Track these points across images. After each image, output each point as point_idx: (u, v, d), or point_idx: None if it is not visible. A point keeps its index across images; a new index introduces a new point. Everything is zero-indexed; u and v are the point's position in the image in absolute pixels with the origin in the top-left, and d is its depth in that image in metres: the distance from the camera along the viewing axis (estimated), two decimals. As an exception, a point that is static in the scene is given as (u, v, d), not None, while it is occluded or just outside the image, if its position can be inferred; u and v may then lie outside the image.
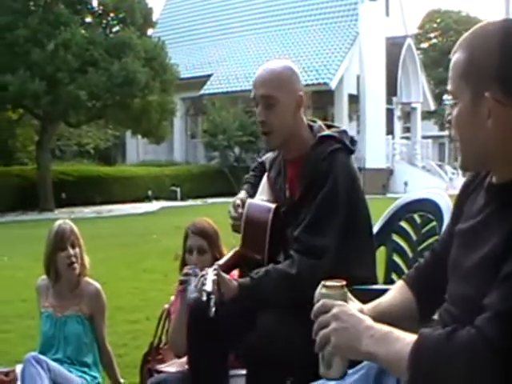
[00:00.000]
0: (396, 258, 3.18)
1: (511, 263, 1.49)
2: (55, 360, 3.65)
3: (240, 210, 2.94)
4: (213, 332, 2.77)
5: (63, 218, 4.13)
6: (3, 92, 20.04)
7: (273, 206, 2.87)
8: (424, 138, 38.57)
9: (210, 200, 25.67)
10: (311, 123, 2.94)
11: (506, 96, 1.60)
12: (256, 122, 3.07)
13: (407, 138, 37.96)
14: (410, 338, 1.53)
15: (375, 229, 3.10)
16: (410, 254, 3.07)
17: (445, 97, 47.24)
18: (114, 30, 23.87)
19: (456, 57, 1.71)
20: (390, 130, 33.96)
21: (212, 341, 2.79)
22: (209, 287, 2.57)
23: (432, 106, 38.66)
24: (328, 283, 1.70)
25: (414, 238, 3.07)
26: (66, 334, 3.78)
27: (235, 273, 3.00)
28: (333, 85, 29.32)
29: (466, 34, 1.73)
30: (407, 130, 40.22)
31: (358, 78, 31.40)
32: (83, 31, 22.23)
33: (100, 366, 3.91)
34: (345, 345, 1.58)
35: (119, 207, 23.10)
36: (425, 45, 57.48)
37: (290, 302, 2.56)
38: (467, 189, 1.90)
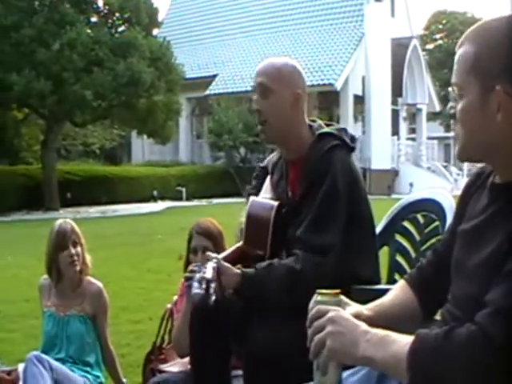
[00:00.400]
0: (399, 258, 3.16)
1: None
2: (58, 359, 3.66)
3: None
4: (215, 332, 2.76)
5: (68, 218, 4.14)
6: (9, 91, 20.06)
7: (275, 203, 2.87)
8: (429, 138, 38.53)
9: (215, 200, 25.65)
10: (311, 123, 2.93)
11: None
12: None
13: (412, 139, 37.91)
14: (406, 339, 1.51)
15: (378, 229, 3.09)
16: (413, 254, 3.06)
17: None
18: (120, 29, 23.87)
19: (462, 50, 1.69)
20: (395, 131, 33.91)
21: (214, 341, 2.79)
22: (209, 274, 2.57)
23: (437, 107, 38.61)
24: (323, 291, 1.68)
25: (417, 238, 3.06)
26: (69, 334, 3.78)
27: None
28: (338, 85, 29.29)
29: (471, 28, 1.72)
30: (412, 131, 40.17)
31: (364, 78, 31.37)
32: (89, 31, 22.23)
33: (102, 366, 3.91)
34: (341, 349, 1.56)
35: (124, 207, 23.09)
36: (430, 46, 57.45)
37: (291, 300, 2.53)
38: (470, 189, 1.88)
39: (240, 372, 2.92)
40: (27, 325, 6.09)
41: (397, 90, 32.86)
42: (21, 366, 3.59)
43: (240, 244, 2.98)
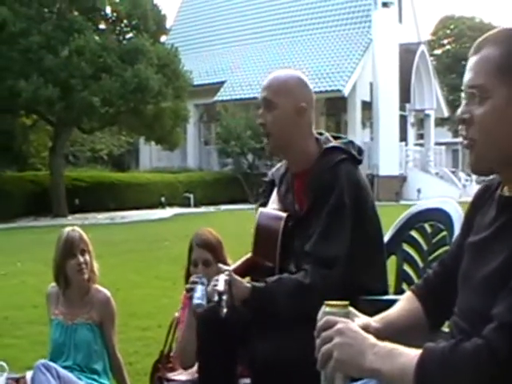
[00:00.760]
0: (406, 268, 3.16)
1: None
2: (65, 367, 3.65)
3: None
4: (223, 341, 2.77)
5: (76, 224, 4.14)
6: (17, 98, 20.12)
7: (284, 214, 2.88)
8: (437, 144, 38.45)
9: (223, 207, 25.66)
10: (318, 136, 2.94)
11: None
12: None
13: (420, 145, 37.85)
14: (414, 352, 1.51)
15: (386, 238, 3.08)
16: (421, 264, 3.05)
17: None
18: (128, 36, 23.93)
19: (486, 52, 1.63)
20: (403, 137, 33.83)
21: (222, 350, 2.79)
22: (221, 287, 2.59)
23: (445, 113, 38.51)
24: (331, 302, 1.68)
25: (425, 247, 3.05)
26: (76, 342, 3.78)
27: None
28: (346, 92, 29.30)
29: (491, 33, 1.67)
30: (420, 136, 40.11)
31: (371, 84, 31.34)
32: (97, 38, 22.33)
33: (110, 374, 3.91)
34: (348, 360, 1.55)
35: (132, 213, 23.11)
36: (438, 51, 57.39)
37: (300, 312, 2.54)
38: (478, 201, 1.86)
39: (247, 381, 2.93)
40: (35, 331, 6.09)
41: (405, 96, 32.80)
42: (29, 374, 3.59)
43: (249, 255, 3.00)
